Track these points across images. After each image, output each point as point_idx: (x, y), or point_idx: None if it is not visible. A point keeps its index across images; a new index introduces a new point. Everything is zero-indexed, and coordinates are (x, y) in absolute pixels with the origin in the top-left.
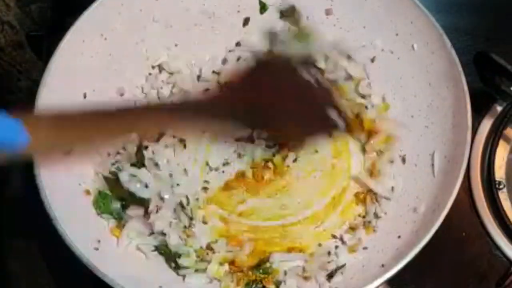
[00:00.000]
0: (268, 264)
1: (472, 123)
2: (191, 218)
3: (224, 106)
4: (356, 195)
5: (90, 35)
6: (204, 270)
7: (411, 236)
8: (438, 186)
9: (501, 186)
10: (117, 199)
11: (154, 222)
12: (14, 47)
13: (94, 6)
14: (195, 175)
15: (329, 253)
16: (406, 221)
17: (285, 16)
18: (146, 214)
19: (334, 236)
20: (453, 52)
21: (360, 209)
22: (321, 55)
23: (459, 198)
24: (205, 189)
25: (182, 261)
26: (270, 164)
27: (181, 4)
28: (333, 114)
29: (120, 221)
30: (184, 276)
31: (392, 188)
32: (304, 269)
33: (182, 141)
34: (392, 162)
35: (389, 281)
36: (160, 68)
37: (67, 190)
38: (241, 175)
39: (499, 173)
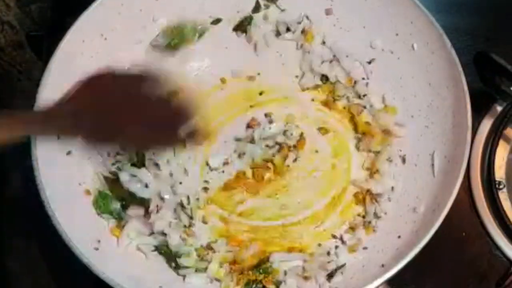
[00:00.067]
0: (268, 264)
1: (472, 123)
2: (191, 218)
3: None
4: (356, 195)
5: (90, 35)
6: (205, 270)
7: (411, 236)
8: (438, 186)
9: (501, 186)
10: (117, 199)
11: (154, 222)
12: (14, 47)
13: (94, 6)
14: (195, 175)
15: (329, 253)
16: (406, 221)
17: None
18: (146, 214)
19: (334, 236)
20: (453, 52)
21: (360, 209)
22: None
23: (459, 198)
24: (205, 189)
25: (182, 261)
26: (270, 164)
27: (181, 4)
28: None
29: (120, 221)
30: (184, 276)
31: (392, 188)
32: (304, 269)
33: None
34: (391, 161)
35: (389, 281)
36: None
37: (67, 190)
38: (241, 175)
39: (499, 173)
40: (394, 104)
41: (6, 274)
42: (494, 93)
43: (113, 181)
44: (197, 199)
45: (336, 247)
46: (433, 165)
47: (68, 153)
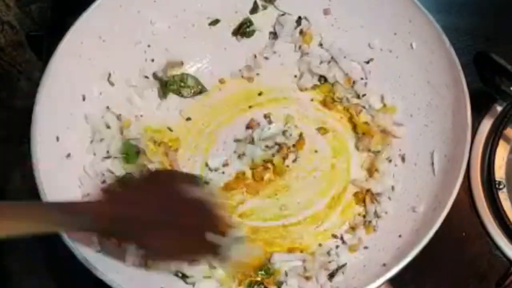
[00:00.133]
0: (269, 265)
1: (472, 123)
2: None
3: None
4: (356, 194)
5: (89, 37)
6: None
7: (411, 235)
8: (438, 185)
9: (501, 186)
10: None
11: None
12: (14, 47)
13: (92, 7)
14: None
15: (329, 253)
16: (407, 220)
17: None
18: None
19: (334, 236)
20: (452, 50)
21: (360, 208)
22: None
23: (459, 198)
24: None
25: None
26: (269, 165)
27: (179, 5)
28: (212, 238)
29: None
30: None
31: (392, 187)
32: (305, 269)
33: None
34: (391, 161)
35: (390, 281)
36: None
37: (67, 190)
38: (240, 176)
39: (499, 173)
40: (393, 104)
41: (6, 274)
42: (494, 93)
43: None
44: None
45: (337, 247)
46: (433, 164)
47: (68, 155)
